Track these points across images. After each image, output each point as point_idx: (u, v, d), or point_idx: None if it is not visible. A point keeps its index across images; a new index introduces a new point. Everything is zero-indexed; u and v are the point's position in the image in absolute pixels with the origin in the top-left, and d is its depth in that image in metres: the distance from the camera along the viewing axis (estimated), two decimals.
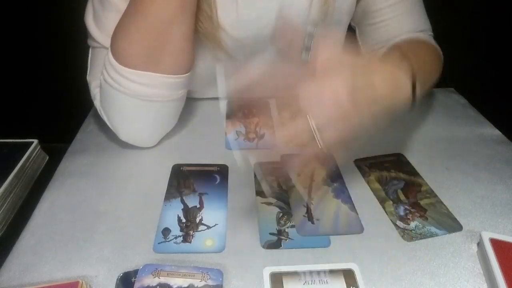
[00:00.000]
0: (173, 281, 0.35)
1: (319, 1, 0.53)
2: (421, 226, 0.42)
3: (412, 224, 0.42)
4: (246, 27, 0.53)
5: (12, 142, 0.52)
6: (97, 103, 0.51)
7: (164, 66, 0.45)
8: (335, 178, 0.48)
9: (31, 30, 1.04)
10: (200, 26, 0.50)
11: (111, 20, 0.47)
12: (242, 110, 0.62)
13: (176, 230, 0.41)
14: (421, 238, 0.40)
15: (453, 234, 0.41)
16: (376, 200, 0.45)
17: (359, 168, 0.50)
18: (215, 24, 0.51)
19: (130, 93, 0.46)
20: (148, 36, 0.44)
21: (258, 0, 0.52)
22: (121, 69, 0.44)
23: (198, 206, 0.44)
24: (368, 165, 0.51)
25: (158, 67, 0.45)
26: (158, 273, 0.36)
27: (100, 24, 0.49)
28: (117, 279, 0.36)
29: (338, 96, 0.33)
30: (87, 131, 0.56)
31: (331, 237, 0.40)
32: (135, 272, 0.36)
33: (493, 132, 0.57)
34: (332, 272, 0.36)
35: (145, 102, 0.47)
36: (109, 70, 0.45)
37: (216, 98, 0.64)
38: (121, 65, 0.44)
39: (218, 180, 0.48)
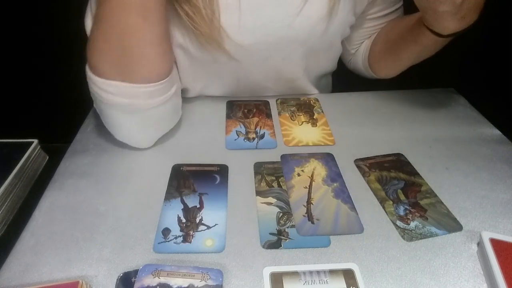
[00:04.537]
0: (173, 281, 0.35)
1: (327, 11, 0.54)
2: (421, 226, 0.42)
3: (412, 224, 0.42)
4: (250, 34, 0.53)
5: (12, 142, 0.52)
6: None
7: (135, 75, 0.44)
8: (335, 178, 0.48)
9: (31, 30, 1.04)
10: (200, 29, 0.50)
11: None
12: (242, 110, 0.62)
13: (176, 230, 0.41)
14: (421, 238, 0.40)
15: (453, 234, 0.41)
16: (376, 200, 0.45)
17: (359, 168, 0.50)
18: (217, 28, 0.51)
19: (109, 103, 0.45)
20: (114, 45, 0.43)
21: (262, 7, 0.51)
22: (96, 80, 0.44)
23: (198, 206, 0.44)
24: (368, 165, 0.51)
25: (130, 77, 0.44)
26: (158, 273, 0.36)
27: None
28: (117, 279, 0.36)
29: None
30: (87, 131, 0.56)
31: (331, 237, 0.40)
32: (135, 272, 0.36)
33: (493, 132, 0.57)
34: (332, 272, 0.36)
35: (126, 112, 0.47)
36: (88, 81, 0.45)
37: (216, 98, 0.65)
38: (95, 75, 0.44)
39: (218, 180, 0.48)
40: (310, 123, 0.59)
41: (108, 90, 0.44)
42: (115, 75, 0.43)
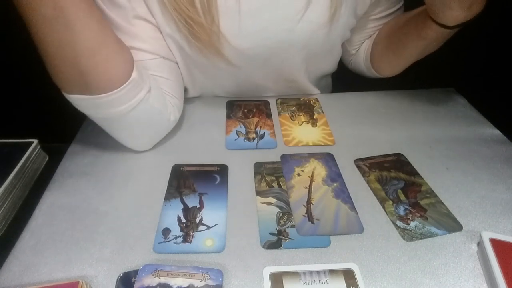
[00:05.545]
0: (173, 281, 0.35)
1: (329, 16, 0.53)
2: (421, 226, 0.42)
3: (412, 224, 0.42)
4: (249, 38, 0.52)
5: (12, 142, 0.52)
6: None
7: (88, 87, 0.41)
8: (335, 178, 0.48)
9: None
10: (199, 36, 0.49)
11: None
12: (242, 110, 0.62)
13: (176, 230, 0.41)
14: (421, 238, 0.40)
15: (453, 234, 0.41)
16: (376, 200, 0.45)
17: (359, 168, 0.50)
18: (216, 34, 0.50)
19: (87, 115, 0.46)
20: (55, 62, 0.40)
21: (263, 11, 0.51)
22: (66, 95, 0.43)
23: (198, 206, 0.44)
24: (368, 165, 0.51)
25: (84, 90, 0.41)
26: (158, 273, 0.36)
27: None
28: (117, 279, 0.36)
29: None
30: (87, 131, 0.56)
31: (331, 237, 0.40)
32: (135, 272, 0.36)
33: (493, 132, 0.57)
34: (332, 272, 0.36)
35: (102, 122, 0.47)
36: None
37: (216, 98, 0.65)
38: (63, 92, 0.43)
39: (218, 180, 0.48)
40: (310, 123, 0.59)
41: (76, 104, 0.44)
42: (73, 90, 0.42)
